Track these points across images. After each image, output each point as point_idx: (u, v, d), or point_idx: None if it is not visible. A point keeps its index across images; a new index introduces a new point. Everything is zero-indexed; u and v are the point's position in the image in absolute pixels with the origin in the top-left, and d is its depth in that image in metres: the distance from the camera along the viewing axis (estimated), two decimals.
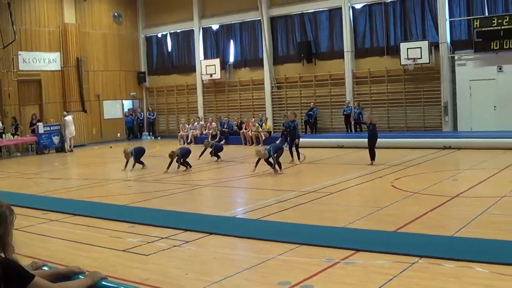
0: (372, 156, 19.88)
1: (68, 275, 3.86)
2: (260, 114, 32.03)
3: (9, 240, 3.52)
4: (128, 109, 39.44)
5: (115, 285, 3.85)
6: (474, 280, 7.35)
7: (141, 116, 38.61)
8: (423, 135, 26.12)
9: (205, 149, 23.42)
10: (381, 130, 29.19)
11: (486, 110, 26.87)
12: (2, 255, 3.46)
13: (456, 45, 27.93)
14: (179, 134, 33.40)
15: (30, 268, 3.92)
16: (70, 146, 31.87)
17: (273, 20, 33.54)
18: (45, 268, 4.02)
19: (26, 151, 31.85)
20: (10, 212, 3.59)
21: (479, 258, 8.05)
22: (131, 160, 21.15)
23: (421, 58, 27.70)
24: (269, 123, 31.43)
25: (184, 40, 37.76)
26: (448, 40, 27.86)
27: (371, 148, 19.99)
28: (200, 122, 34.24)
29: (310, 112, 31.12)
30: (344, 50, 30.66)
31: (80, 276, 3.84)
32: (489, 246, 8.84)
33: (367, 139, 20.44)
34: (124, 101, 38.97)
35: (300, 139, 26.60)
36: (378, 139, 25.60)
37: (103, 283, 3.79)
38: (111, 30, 37.63)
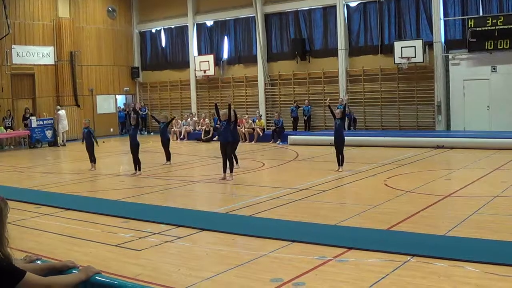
0: (341, 161, 18.20)
1: (62, 270, 3.87)
2: (257, 111, 32.00)
3: (4, 233, 3.51)
4: (124, 104, 39.45)
5: (108, 280, 3.85)
6: (465, 280, 7.37)
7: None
8: (416, 134, 26.13)
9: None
10: (374, 128, 29.42)
11: (479, 110, 26.94)
12: None
13: (450, 45, 27.96)
14: (172, 129, 33.36)
15: (24, 262, 3.92)
16: (63, 141, 31.85)
17: (267, 17, 33.51)
18: (39, 262, 4.02)
19: (19, 144, 31.80)
20: (4, 205, 3.58)
21: (471, 257, 8.08)
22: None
23: (415, 57, 27.73)
24: (263, 120, 31.42)
25: (178, 35, 37.70)
26: (442, 39, 27.90)
27: (341, 151, 18.14)
28: (194, 118, 34.23)
29: (293, 107, 31.53)
30: (338, 48, 30.67)
31: (74, 271, 3.84)
32: (480, 246, 8.87)
33: (334, 140, 18.31)
34: (117, 96, 38.89)
35: (293, 137, 26.70)
36: (372, 138, 25.74)
37: (97, 278, 3.79)
38: (105, 25, 37.56)
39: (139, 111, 38.37)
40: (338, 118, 18.13)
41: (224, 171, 17.21)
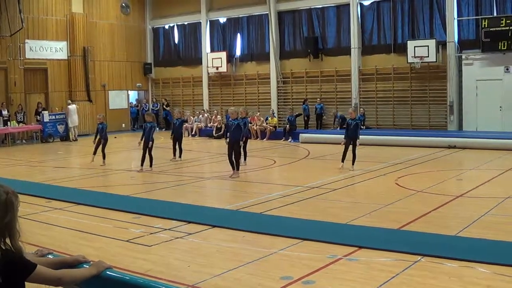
0: (353, 160, 18.11)
1: (73, 264, 3.88)
2: (272, 110, 31.98)
3: (16, 227, 3.52)
4: (136, 100, 39.70)
5: (119, 275, 3.86)
6: (476, 280, 7.35)
7: (146, 107, 38.46)
8: (428, 134, 26.07)
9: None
10: (386, 127, 29.33)
11: (492, 110, 26.79)
12: (2, 246, 3.46)
13: (464, 45, 27.84)
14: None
15: (35, 255, 3.93)
16: (74, 136, 31.95)
17: (280, 14, 33.49)
18: (50, 256, 4.03)
19: (31, 139, 31.93)
20: (15, 198, 3.58)
21: (482, 258, 8.06)
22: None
23: (428, 56, 27.62)
24: (275, 118, 31.39)
25: (191, 32, 37.72)
26: (456, 39, 27.78)
27: (353, 149, 18.08)
28: (205, 115, 34.24)
29: (304, 106, 31.69)
30: (351, 47, 30.59)
31: (85, 265, 3.85)
32: (491, 247, 8.83)
33: (347, 137, 18.23)
34: (129, 92, 38.98)
35: (304, 135, 26.55)
36: (384, 137, 25.66)
37: (108, 273, 3.80)
38: (118, 21, 37.61)
39: (141, 106, 38.66)
40: (353, 119, 18.18)
41: (233, 168, 17.24)
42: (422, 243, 9.04)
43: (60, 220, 11.54)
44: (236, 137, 17.26)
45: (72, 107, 32.20)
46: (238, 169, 17.37)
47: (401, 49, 29.14)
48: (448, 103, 28.00)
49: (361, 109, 29.35)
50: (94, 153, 20.93)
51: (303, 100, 31.95)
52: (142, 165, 19.05)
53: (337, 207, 12.58)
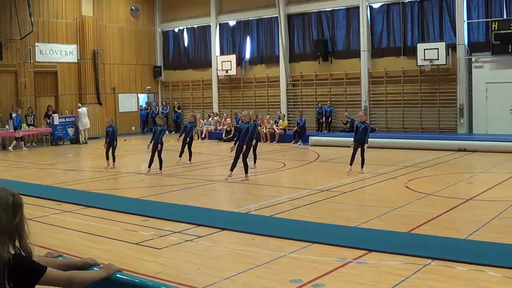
0: (362, 163, 18.03)
1: (83, 267, 3.87)
2: (279, 112, 32.02)
3: (25, 228, 3.53)
4: (146, 102, 39.80)
5: (129, 278, 3.85)
6: (486, 284, 7.32)
7: (156, 110, 38.53)
8: (438, 137, 26.00)
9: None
10: (396, 130, 29.26)
11: (502, 113, 26.69)
12: (12, 250, 3.46)
13: (474, 47, 27.74)
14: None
15: (45, 258, 3.93)
16: (84, 138, 32.01)
17: (290, 17, 33.49)
18: (60, 259, 4.03)
19: (41, 142, 32.00)
20: (21, 199, 3.59)
21: (492, 262, 8.02)
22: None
23: (438, 59, 27.54)
24: (285, 121, 31.41)
25: (201, 35, 37.76)
26: (466, 42, 27.69)
27: (362, 152, 17.99)
28: (215, 118, 34.27)
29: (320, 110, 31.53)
30: (361, 49, 30.54)
31: (95, 268, 3.84)
32: (502, 250, 8.80)
33: (356, 141, 18.17)
34: (139, 95, 39.04)
35: (314, 138, 26.48)
36: (394, 140, 25.62)
37: (118, 275, 3.79)
38: (128, 24, 37.69)
39: (151, 109, 38.71)
40: (363, 122, 18.17)
41: (231, 170, 17.19)
42: (432, 247, 9.02)
43: (69, 223, 11.56)
44: (244, 140, 17.25)
45: (82, 110, 32.25)
46: (247, 172, 17.38)
47: (411, 52, 29.07)
48: (458, 106, 27.91)
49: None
50: (107, 157, 20.90)
51: (317, 102, 31.87)
52: (149, 167, 19.14)
53: (347, 210, 12.57)
